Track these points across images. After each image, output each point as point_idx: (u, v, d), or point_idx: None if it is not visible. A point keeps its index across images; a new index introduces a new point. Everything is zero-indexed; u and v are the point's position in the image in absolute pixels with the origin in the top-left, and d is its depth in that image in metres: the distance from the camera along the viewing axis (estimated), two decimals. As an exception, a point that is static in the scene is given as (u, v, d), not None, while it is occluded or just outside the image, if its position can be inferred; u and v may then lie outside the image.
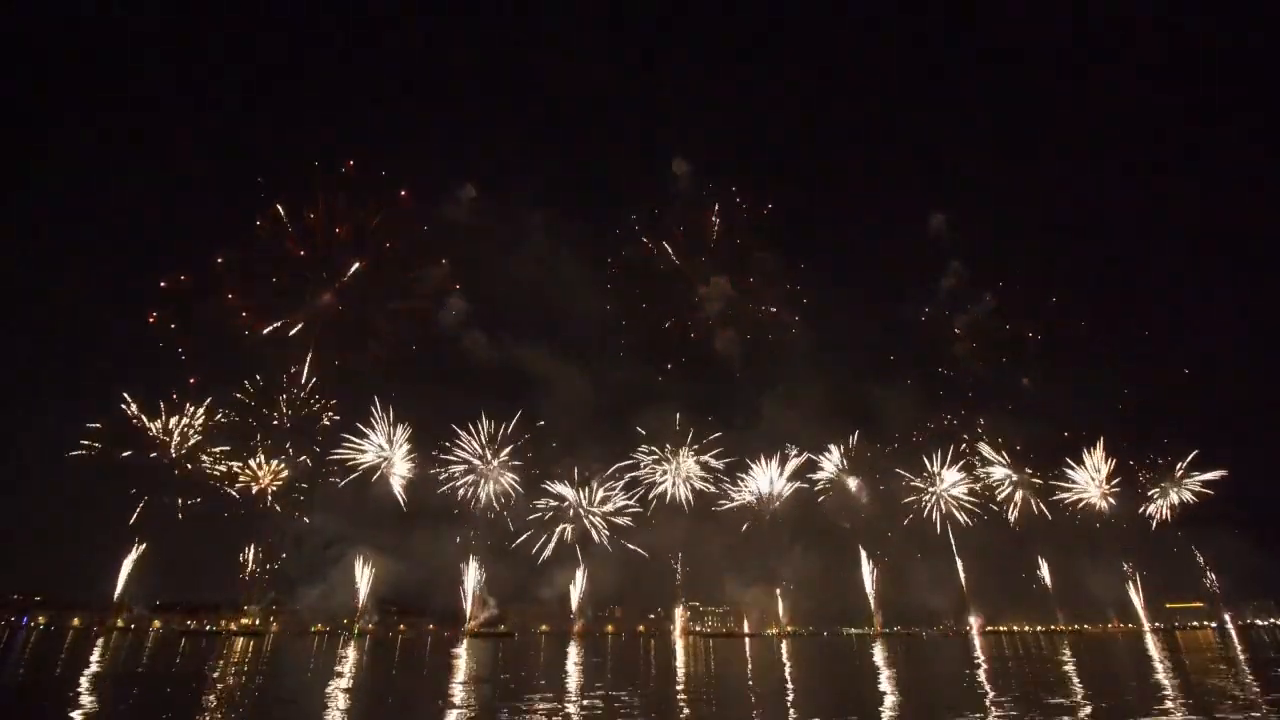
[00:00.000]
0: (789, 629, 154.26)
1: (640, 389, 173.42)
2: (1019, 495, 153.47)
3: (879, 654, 69.70)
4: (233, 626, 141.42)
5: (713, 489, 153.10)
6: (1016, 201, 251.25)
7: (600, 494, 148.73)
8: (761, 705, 29.39)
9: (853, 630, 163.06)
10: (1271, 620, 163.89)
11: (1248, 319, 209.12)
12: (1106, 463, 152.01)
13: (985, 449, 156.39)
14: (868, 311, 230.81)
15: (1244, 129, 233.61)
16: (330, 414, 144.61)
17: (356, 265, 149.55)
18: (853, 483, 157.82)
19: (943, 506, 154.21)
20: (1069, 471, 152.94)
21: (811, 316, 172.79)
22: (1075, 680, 37.26)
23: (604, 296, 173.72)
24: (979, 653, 70.12)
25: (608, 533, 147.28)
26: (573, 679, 38.99)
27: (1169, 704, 27.04)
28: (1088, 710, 25.82)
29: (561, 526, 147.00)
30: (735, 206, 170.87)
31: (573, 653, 70.03)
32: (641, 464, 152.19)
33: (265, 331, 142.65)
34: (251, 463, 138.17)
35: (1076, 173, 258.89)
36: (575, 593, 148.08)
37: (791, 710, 26.96)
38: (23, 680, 38.57)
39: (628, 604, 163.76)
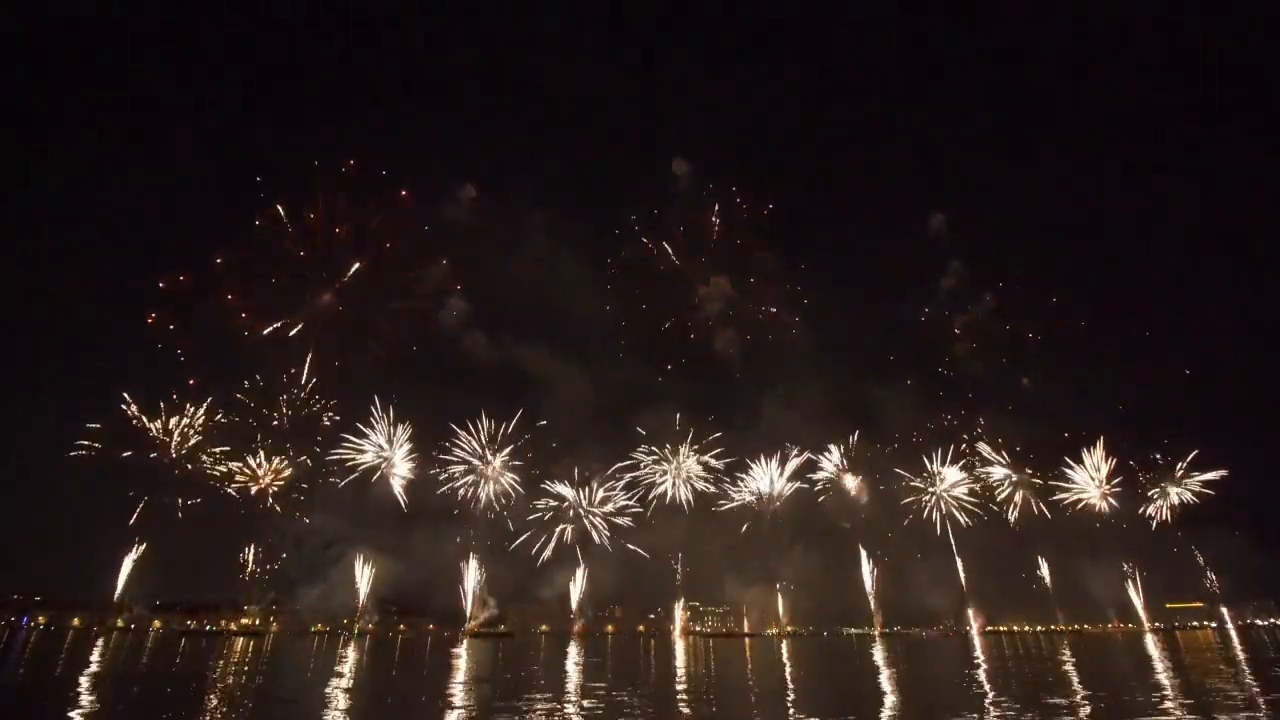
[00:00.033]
0: (789, 629, 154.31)
1: (640, 389, 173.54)
2: (1019, 495, 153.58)
3: (879, 654, 69.70)
4: (233, 626, 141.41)
5: (713, 489, 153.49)
6: (1016, 201, 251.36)
7: (600, 494, 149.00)
8: (761, 705, 29.39)
9: (853, 630, 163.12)
10: (1271, 620, 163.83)
11: (1248, 319, 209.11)
12: (1106, 462, 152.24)
13: (985, 449, 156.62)
14: (868, 311, 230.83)
15: (1244, 129, 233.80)
16: (330, 414, 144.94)
17: (356, 265, 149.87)
18: (853, 482, 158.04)
19: (943, 507, 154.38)
20: (1069, 471, 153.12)
21: (811, 316, 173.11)
22: (1075, 680, 37.27)
23: (604, 296, 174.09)
24: (979, 653, 70.10)
25: (608, 533, 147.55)
26: (572, 679, 38.98)
27: (1169, 704, 27.03)
28: (1087, 710, 25.81)
29: (561, 527, 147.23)
30: (735, 206, 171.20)
31: (573, 653, 70.01)
32: (641, 464, 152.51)
33: (265, 332, 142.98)
34: (252, 462, 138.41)
35: (1076, 173, 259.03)
36: (575, 593, 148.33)
37: (791, 710, 26.95)
38: (23, 680, 38.56)
39: (628, 604, 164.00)
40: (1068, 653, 67.68)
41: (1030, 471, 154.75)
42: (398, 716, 27.61)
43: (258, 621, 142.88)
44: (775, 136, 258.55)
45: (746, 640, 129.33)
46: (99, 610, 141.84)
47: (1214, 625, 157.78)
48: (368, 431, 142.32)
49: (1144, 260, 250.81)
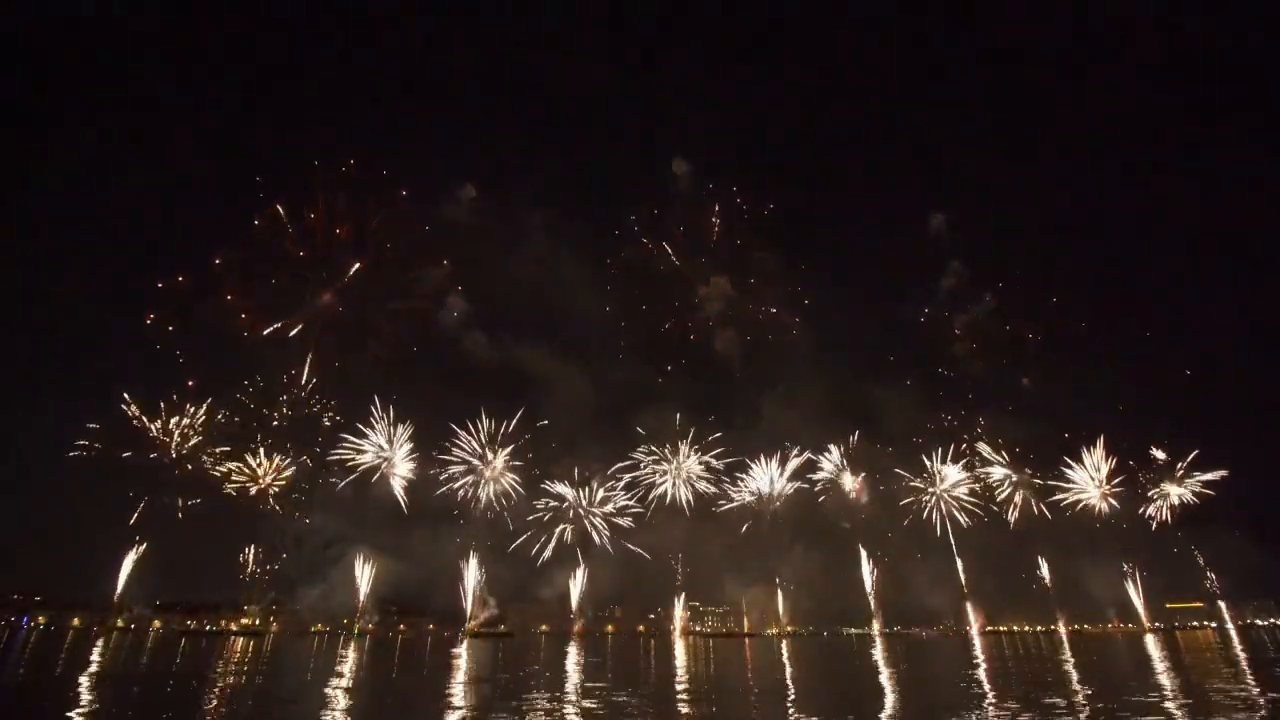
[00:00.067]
0: (789, 629, 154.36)
1: (640, 389, 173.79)
2: (1019, 495, 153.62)
3: (879, 654, 69.70)
4: (233, 626, 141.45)
5: (713, 489, 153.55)
6: (1016, 201, 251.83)
7: (600, 494, 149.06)
8: (761, 705, 29.40)
9: (853, 630, 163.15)
10: (1271, 620, 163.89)
11: (1248, 319, 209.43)
12: (1106, 462, 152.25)
13: (985, 449, 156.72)
14: (868, 311, 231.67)
15: (1244, 129, 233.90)
16: (330, 414, 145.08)
17: (356, 265, 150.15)
18: (852, 482, 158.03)
19: (943, 507, 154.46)
20: (1069, 471, 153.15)
21: (811, 316, 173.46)
22: (1075, 680, 37.27)
23: (604, 297, 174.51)
24: (979, 653, 70.09)
25: (608, 533, 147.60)
26: (572, 679, 38.99)
27: (1169, 704, 27.03)
28: (1087, 711, 25.82)
29: (561, 527, 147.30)
30: (735, 206, 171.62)
31: (573, 653, 70.01)
32: (641, 464, 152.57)
33: (265, 332, 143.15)
34: (251, 462, 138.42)
35: (1076, 173, 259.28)
36: (575, 593, 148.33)
37: (791, 710, 26.96)
38: (23, 680, 38.54)
39: (628, 604, 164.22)
40: (1068, 653, 67.67)
41: (1030, 471, 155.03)
42: (398, 716, 27.60)
43: (258, 621, 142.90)
44: (775, 136, 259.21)
45: (746, 640, 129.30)
46: (99, 610, 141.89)
47: (1214, 625, 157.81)
48: (368, 431, 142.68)
49: (1144, 260, 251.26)
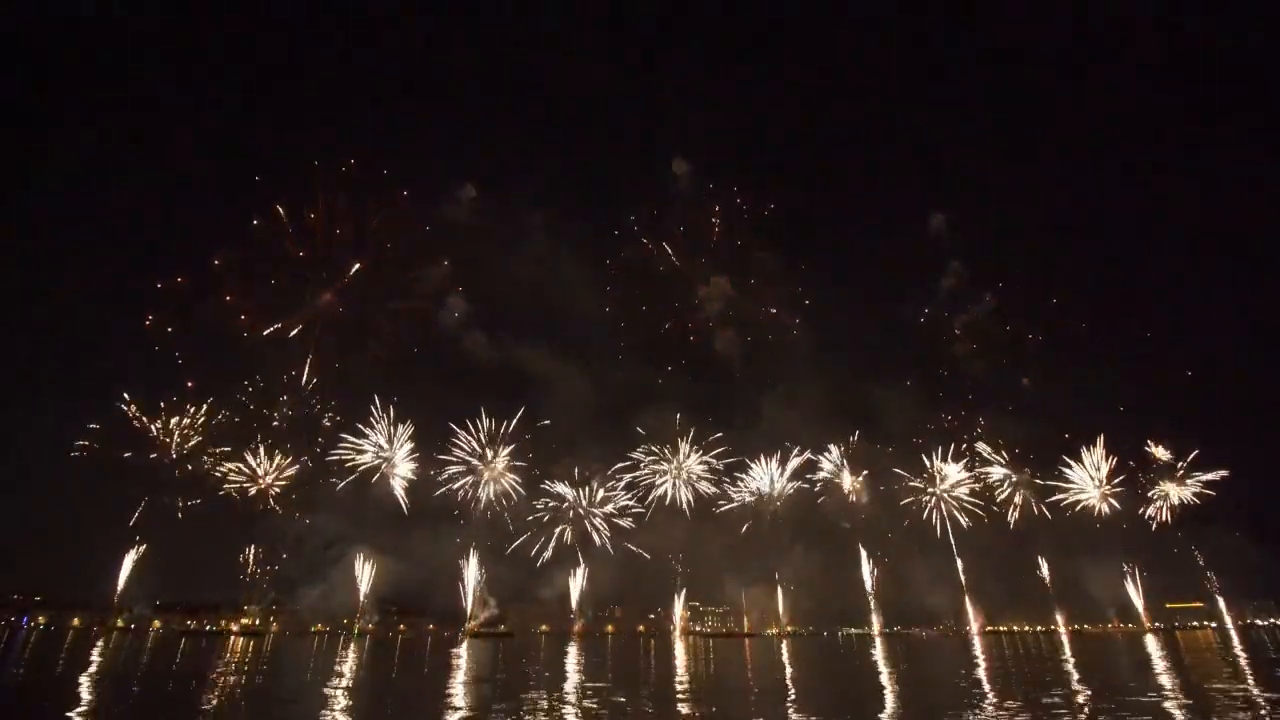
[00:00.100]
0: (789, 629, 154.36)
1: (640, 389, 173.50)
2: (1019, 495, 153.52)
3: (879, 654, 69.69)
4: (233, 626, 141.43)
5: (713, 489, 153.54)
6: (1016, 201, 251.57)
7: (600, 494, 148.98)
8: (761, 705, 29.40)
9: (852, 630, 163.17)
10: (1271, 620, 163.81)
11: (1248, 319, 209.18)
12: (1106, 462, 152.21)
13: (985, 449, 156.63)
14: (868, 311, 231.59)
15: (1244, 129, 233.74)
16: (330, 414, 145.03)
17: (356, 265, 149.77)
18: (852, 482, 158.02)
19: (943, 507, 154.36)
20: (1069, 472, 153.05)
21: (811, 316, 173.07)
22: (1075, 680, 37.27)
23: (604, 297, 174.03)
24: (979, 653, 70.10)
25: (608, 533, 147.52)
26: (572, 679, 38.99)
27: (1169, 704, 27.04)
28: (1087, 711, 25.82)
29: (561, 527, 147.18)
30: (735, 206, 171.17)
31: (573, 653, 70.02)
32: (641, 464, 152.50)
33: (265, 332, 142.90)
34: (252, 462, 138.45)
35: (1076, 173, 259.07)
36: (575, 593, 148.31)
37: (791, 710, 26.96)
38: (23, 680, 38.52)
39: (628, 604, 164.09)
40: (1068, 653, 67.66)
41: (1030, 471, 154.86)
42: (398, 716, 27.61)
43: (258, 621, 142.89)
44: (775, 136, 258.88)
45: (746, 640, 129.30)
46: (99, 610, 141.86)
47: (1214, 625, 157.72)
48: (368, 432, 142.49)
49: (1144, 260, 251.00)
